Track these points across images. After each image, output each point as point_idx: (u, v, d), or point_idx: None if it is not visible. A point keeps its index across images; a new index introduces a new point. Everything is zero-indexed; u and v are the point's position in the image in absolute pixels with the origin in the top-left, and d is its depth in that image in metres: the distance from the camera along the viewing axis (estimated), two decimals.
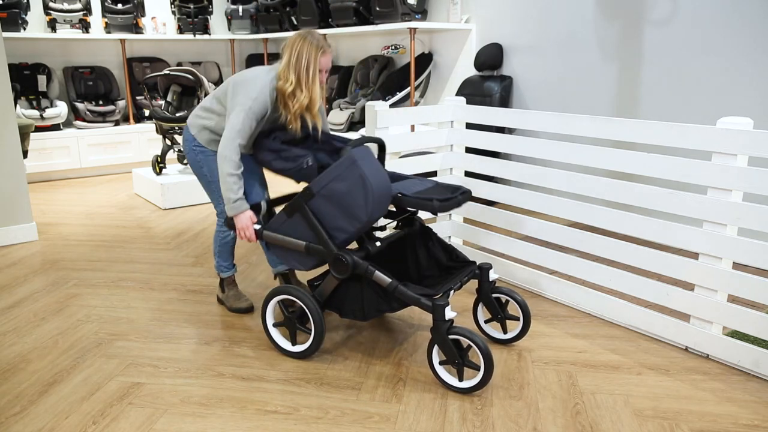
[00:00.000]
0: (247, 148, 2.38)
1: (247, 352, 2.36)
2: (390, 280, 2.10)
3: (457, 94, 4.60)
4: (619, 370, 2.22)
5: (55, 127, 5.55)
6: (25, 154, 3.85)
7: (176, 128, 4.75)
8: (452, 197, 2.21)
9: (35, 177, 5.55)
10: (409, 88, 4.86)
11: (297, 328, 2.31)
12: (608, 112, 3.89)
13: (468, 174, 3.39)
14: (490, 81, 4.35)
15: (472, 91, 4.41)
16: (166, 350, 2.38)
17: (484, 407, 1.99)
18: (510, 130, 4.28)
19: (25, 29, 5.53)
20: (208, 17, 6.39)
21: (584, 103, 4.01)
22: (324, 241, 2.18)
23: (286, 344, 2.34)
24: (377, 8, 4.75)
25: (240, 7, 6.40)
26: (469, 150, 3.73)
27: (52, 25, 5.65)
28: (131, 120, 6.07)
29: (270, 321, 2.36)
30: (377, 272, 2.11)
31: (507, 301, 2.39)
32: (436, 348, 2.10)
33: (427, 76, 5.01)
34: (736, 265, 2.25)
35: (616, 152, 2.47)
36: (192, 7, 6.28)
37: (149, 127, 5.94)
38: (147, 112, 6.10)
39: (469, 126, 3.25)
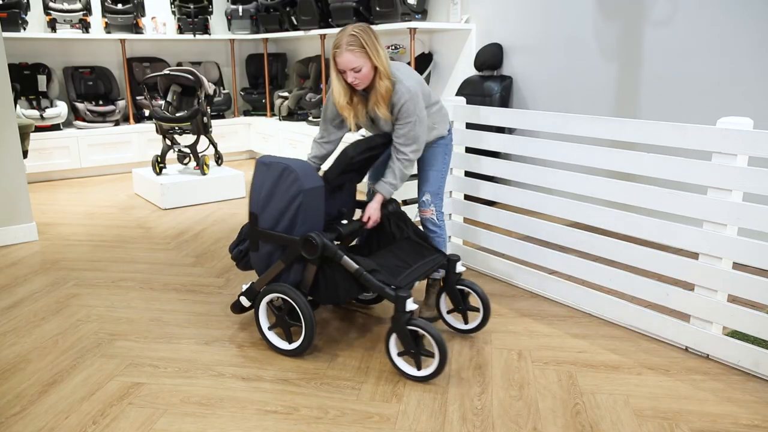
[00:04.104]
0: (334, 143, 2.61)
1: (247, 352, 2.36)
2: (357, 266, 2.15)
3: (457, 94, 4.60)
4: (619, 370, 2.22)
5: (55, 127, 5.55)
6: (25, 154, 3.85)
7: (176, 128, 4.74)
8: (370, 145, 2.39)
9: (35, 177, 5.55)
10: None
11: (290, 324, 2.32)
12: (608, 112, 3.88)
13: (468, 174, 3.39)
14: (490, 81, 4.35)
15: (472, 91, 4.41)
16: (166, 350, 2.38)
17: (484, 407, 1.99)
18: (510, 130, 4.28)
19: (25, 29, 5.52)
20: (208, 17, 6.39)
21: (584, 103, 4.01)
22: (285, 238, 2.24)
23: (282, 344, 2.34)
24: (377, 8, 4.75)
25: (240, 7, 6.40)
26: (469, 150, 3.73)
27: (52, 25, 5.65)
28: (131, 120, 6.07)
29: (264, 324, 2.38)
30: (345, 257, 2.16)
31: (468, 293, 2.47)
32: (393, 338, 2.17)
33: (427, 76, 5.01)
34: (736, 265, 2.25)
35: (616, 152, 2.47)
36: (192, 7, 6.28)
37: (149, 127, 5.94)
38: (147, 112, 6.10)
39: (469, 126, 3.25)
